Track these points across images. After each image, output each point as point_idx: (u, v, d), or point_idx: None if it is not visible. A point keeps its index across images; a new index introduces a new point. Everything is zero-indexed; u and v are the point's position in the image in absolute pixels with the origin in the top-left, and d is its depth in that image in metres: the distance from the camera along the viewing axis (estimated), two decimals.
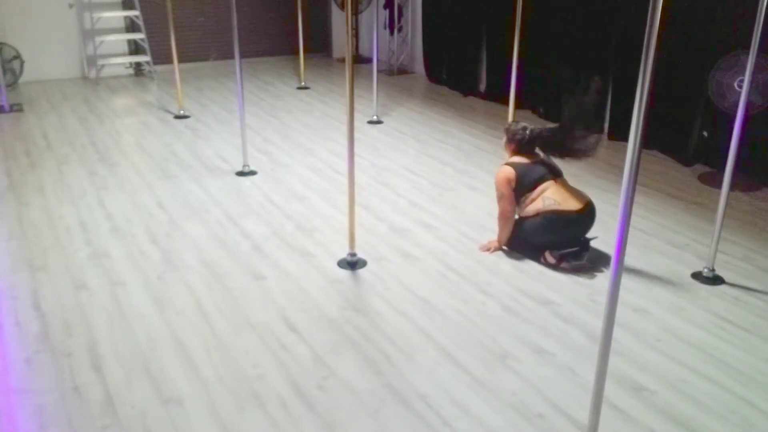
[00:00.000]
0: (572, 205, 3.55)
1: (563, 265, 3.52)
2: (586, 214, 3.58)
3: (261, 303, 3.18)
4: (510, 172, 3.63)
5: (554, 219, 3.53)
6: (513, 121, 3.78)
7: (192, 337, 2.89)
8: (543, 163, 3.71)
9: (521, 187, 3.61)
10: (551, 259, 3.54)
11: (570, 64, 6.01)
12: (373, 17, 8.08)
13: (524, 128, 3.71)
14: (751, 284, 3.39)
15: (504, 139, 3.81)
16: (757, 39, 3.07)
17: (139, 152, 5.34)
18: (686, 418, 2.45)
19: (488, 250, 3.73)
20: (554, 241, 3.57)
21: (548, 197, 3.57)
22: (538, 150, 3.75)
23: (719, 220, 3.30)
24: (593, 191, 4.59)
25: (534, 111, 6.53)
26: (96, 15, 7.65)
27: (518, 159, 3.69)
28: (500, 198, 3.66)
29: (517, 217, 3.71)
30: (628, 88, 5.44)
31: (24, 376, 2.63)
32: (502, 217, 3.68)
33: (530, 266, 3.55)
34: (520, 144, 3.70)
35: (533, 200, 3.60)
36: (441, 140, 5.69)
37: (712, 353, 2.83)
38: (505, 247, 3.74)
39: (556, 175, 3.69)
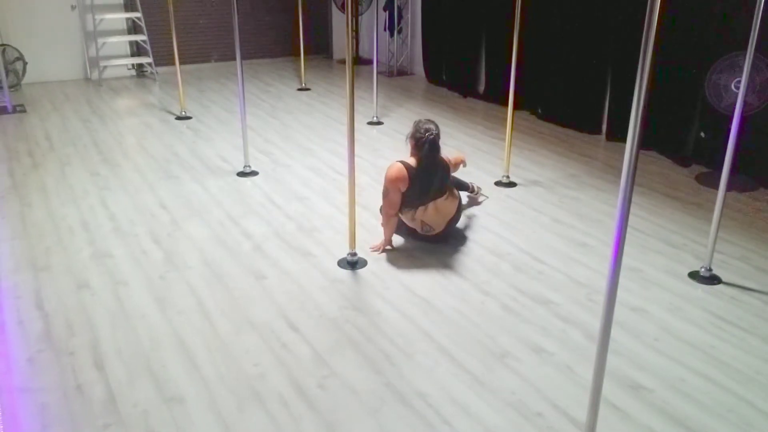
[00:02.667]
0: (440, 226, 3.72)
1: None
2: (445, 233, 3.79)
3: (262, 302, 3.20)
4: (401, 173, 3.58)
5: (420, 237, 3.79)
6: (425, 119, 3.75)
7: (193, 337, 2.92)
8: (438, 170, 3.69)
9: (409, 195, 3.61)
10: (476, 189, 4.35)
11: (568, 65, 6.04)
12: (373, 19, 8.12)
13: (427, 131, 3.63)
14: (748, 284, 3.41)
15: (410, 131, 3.73)
16: (754, 40, 3.09)
17: (141, 153, 5.36)
18: (684, 417, 2.47)
19: (377, 249, 3.72)
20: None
21: (427, 223, 3.68)
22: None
23: (716, 220, 3.32)
24: (591, 191, 4.63)
25: (532, 112, 6.56)
26: (98, 17, 7.68)
27: (413, 161, 3.65)
28: (385, 195, 3.63)
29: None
30: (626, 89, 5.48)
31: (27, 375, 2.65)
32: (385, 216, 3.68)
33: (529, 266, 3.57)
34: (416, 144, 3.65)
35: (413, 218, 3.67)
36: (440, 141, 5.69)
37: (710, 352, 2.85)
38: (389, 247, 3.76)
39: (442, 191, 3.69)
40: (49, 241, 3.80)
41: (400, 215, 3.71)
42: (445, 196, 3.70)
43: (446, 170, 3.79)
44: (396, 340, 2.91)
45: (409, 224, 3.76)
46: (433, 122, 3.74)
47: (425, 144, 3.62)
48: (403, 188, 3.60)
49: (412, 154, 3.70)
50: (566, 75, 6.09)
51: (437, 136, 3.68)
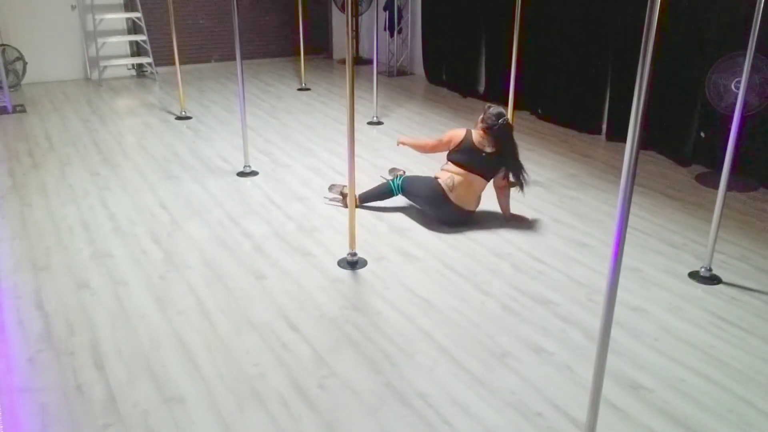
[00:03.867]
0: (468, 204, 4.02)
1: None
2: (466, 216, 4.07)
3: (262, 302, 3.20)
4: (460, 136, 4.03)
5: (441, 201, 3.99)
6: (494, 105, 4.08)
7: (193, 337, 2.92)
8: (494, 154, 3.97)
9: (455, 152, 4.02)
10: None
11: (568, 65, 6.04)
12: (373, 19, 8.12)
13: (499, 115, 3.97)
14: (748, 284, 3.41)
15: (480, 116, 4.04)
16: (754, 40, 3.09)
17: (141, 153, 5.36)
18: (684, 417, 2.47)
19: (403, 143, 4.36)
20: (426, 210, 4.15)
21: (454, 185, 3.96)
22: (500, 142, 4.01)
23: (716, 220, 3.32)
24: (591, 191, 4.63)
25: (532, 112, 6.56)
26: (98, 17, 7.68)
27: (479, 136, 4.00)
28: (438, 140, 4.15)
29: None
30: (626, 89, 5.48)
31: (27, 375, 2.66)
32: (424, 145, 4.25)
33: (529, 266, 3.58)
34: (489, 130, 3.98)
35: (449, 169, 4.02)
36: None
37: (710, 352, 2.85)
38: (403, 146, 4.39)
39: (483, 173, 4.00)
40: (49, 241, 3.80)
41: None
42: (477, 176, 4.00)
43: (503, 160, 4.01)
44: (396, 340, 2.91)
45: (439, 172, 4.09)
46: (500, 108, 4.05)
47: (498, 131, 3.96)
48: (453, 146, 4.04)
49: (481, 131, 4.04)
50: (566, 75, 6.09)
51: (504, 125, 3.98)
